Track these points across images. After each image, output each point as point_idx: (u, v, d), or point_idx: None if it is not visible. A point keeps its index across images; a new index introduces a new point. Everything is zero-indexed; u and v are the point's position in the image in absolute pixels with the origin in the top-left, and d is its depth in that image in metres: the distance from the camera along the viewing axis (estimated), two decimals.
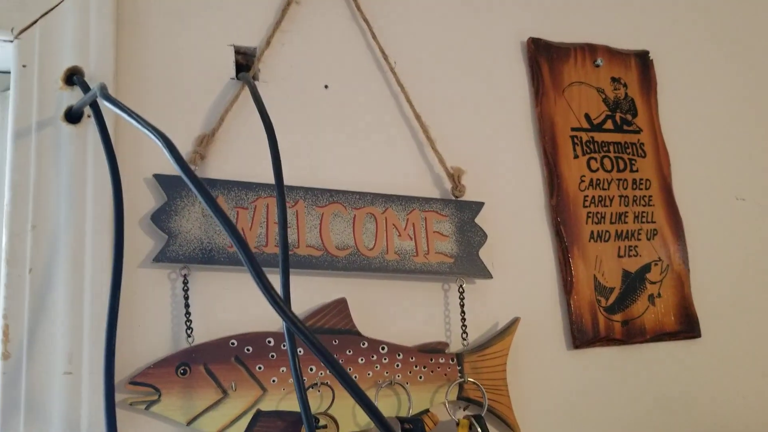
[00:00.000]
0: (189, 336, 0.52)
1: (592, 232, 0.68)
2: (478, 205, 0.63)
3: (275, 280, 0.44)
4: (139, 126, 0.42)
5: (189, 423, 0.51)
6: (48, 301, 0.49)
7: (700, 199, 0.74)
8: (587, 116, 0.70)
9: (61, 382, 0.48)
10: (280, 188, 0.51)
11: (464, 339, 0.60)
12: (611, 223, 0.68)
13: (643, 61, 0.75)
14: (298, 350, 0.54)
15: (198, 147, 0.55)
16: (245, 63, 0.59)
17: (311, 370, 0.54)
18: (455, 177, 0.63)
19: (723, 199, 0.75)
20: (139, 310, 0.52)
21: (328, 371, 0.53)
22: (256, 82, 0.59)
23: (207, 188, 0.40)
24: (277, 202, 0.51)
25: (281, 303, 0.41)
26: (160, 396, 0.50)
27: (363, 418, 0.55)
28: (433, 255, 0.60)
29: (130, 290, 0.51)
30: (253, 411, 0.52)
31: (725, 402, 0.69)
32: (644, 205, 0.70)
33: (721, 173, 0.76)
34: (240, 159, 0.57)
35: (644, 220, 0.70)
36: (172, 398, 0.50)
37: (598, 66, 0.72)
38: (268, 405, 0.53)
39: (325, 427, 0.52)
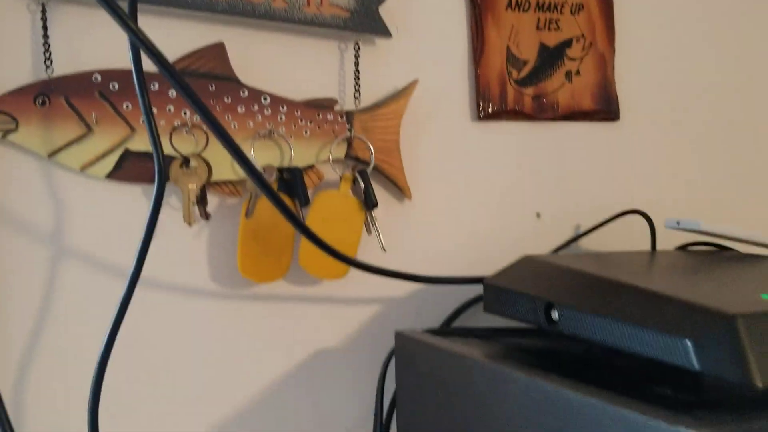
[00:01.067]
0: (48, 67, 0.50)
1: (510, 0, 0.63)
2: None
3: (148, 23, 0.40)
4: None
5: (50, 156, 0.49)
6: None
7: None
8: None
9: None
10: None
11: (356, 98, 0.58)
12: None
13: None
14: (170, 92, 0.52)
15: None
16: None
17: (185, 113, 0.52)
18: None
19: None
20: None
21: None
22: None
23: None
24: None
25: (126, 18, 0.39)
26: (17, 125, 0.48)
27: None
28: (326, 6, 0.56)
29: None
30: (121, 150, 0.51)
31: (637, 185, 0.68)
32: None
33: None
34: None
35: None
36: (31, 128, 0.49)
37: None
38: (137, 145, 0.51)
39: (191, 166, 0.51)
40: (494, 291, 0.50)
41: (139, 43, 0.39)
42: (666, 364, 0.35)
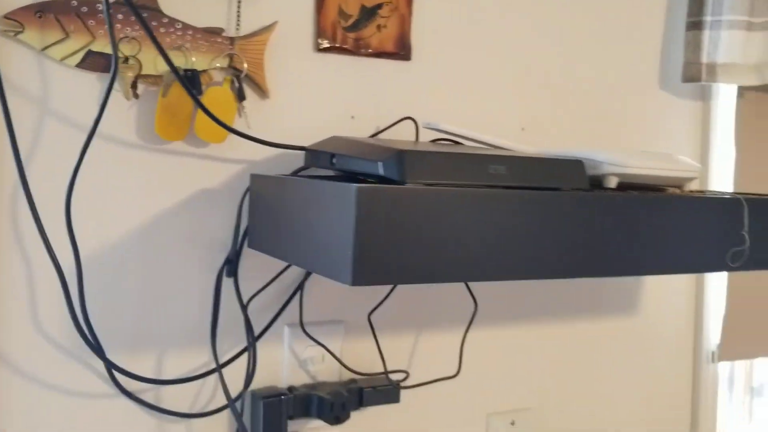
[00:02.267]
0: None
1: None
2: None
3: None
4: None
5: (42, 50, 0.80)
6: None
7: None
8: None
9: None
10: None
11: (237, 29, 0.91)
12: None
13: None
14: (119, 15, 0.84)
15: None
16: None
17: (128, 30, 0.84)
18: None
19: None
20: None
21: (138, 33, 0.83)
22: None
23: None
24: None
25: None
26: (24, 29, 0.79)
27: (162, 67, 0.86)
28: None
29: None
30: (86, 50, 0.83)
31: (418, 102, 1.05)
32: None
33: None
34: None
35: None
36: (32, 32, 0.80)
37: None
38: (96, 47, 0.83)
39: (129, 63, 0.83)
40: (310, 152, 0.86)
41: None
42: (375, 175, 0.72)
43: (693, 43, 1.24)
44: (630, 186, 0.86)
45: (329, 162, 0.81)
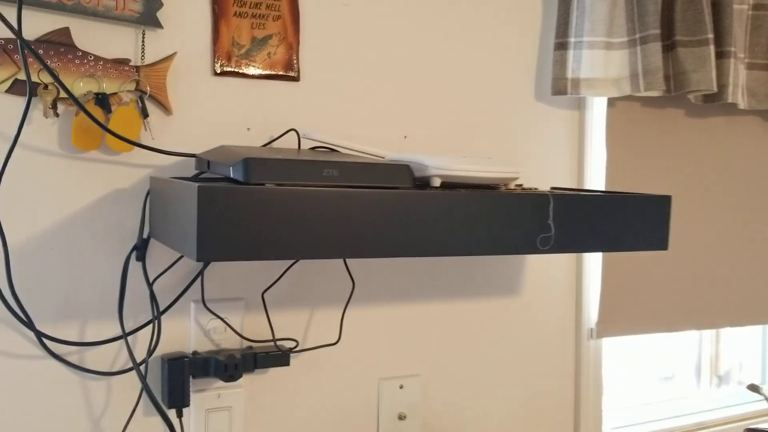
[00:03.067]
0: None
1: (236, 11, 1.18)
2: None
3: (29, 15, 0.93)
4: None
5: None
6: None
7: (316, 2, 1.25)
8: None
9: None
10: None
11: (142, 58, 1.12)
12: (249, 7, 1.19)
13: None
14: (40, 50, 1.04)
15: None
16: None
17: (48, 61, 1.05)
18: None
19: (332, 3, 1.26)
20: None
21: (57, 63, 1.04)
22: None
23: None
24: None
25: (15, 30, 0.91)
26: None
27: (77, 91, 1.06)
28: (128, 10, 1.09)
29: None
30: (13, 78, 1.03)
31: (304, 115, 1.25)
32: (275, 0, 1.21)
33: None
34: None
35: (272, 9, 1.20)
36: None
37: None
38: (21, 76, 1.03)
39: (49, 89, 1.04)
40: (198, 159, 1.06)
41: (18, 38, 0.92)
42: (231, 177, 0.92)
43: (560, 61, 1.44)
44: (456, 185, 1.06)
45: (207, 167, 1.02)
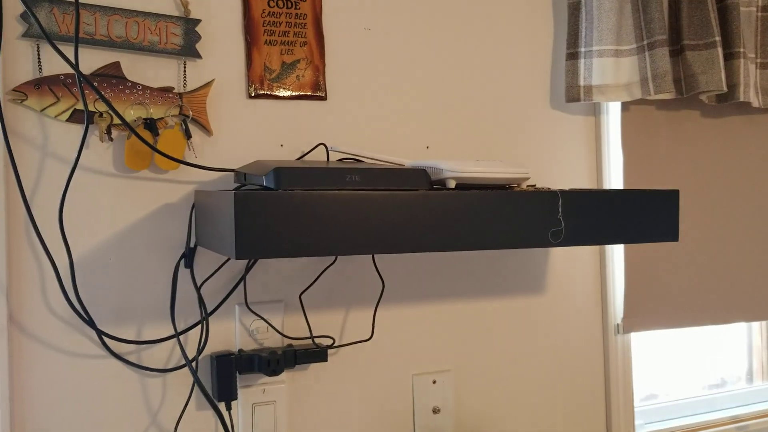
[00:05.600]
0: (40, 71, 1.15)
1: (266, 40, 1.30)
2: (197, 21, 1.25)
3: (84, 53, 1.08)
4: None
5: (41, 111, 1.15)
6: None
7: (338, 27, 1.36)
8: None
9: None
10: (77, 5, 1.12)
11: (184, 86, 1.24)
12: (278, 36, 1.31)
13: None
14: (95, 83, 1.18)
15: None
16: None
17: (102, 92, 1.18)
18: (185, 4, 1.24)
19: (354, 28, 1.38)
20: (15, 55, 1.14)
21: (110, 93, 1.17)
22: None
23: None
24: (75, 10, 1.12)
25: (74, 66, 1.05)
26: (27, 97, 1.14)
27: (129, 117, 1.20)
28: (170, 43, 1.23)
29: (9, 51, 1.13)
30: (72, 109, 1.17)
31: (333, 130, 1.36)
32: (301, 27, 1.33)
33: (354, 10, 1.38)
34: None
35: (299, 35, 1.33)
36: (33, 99, 1.14)
37: None
38: (79, 106, 1.17)
39: (103, 116, 1.17)
40: (236, 173, 1.18)
41: (77, 73, 1.06)
42: (265, 186, 1.03)
43: (572, 70, 1.53)
44: (471, 186, 1.15)
45: (244, 179, 1.13)
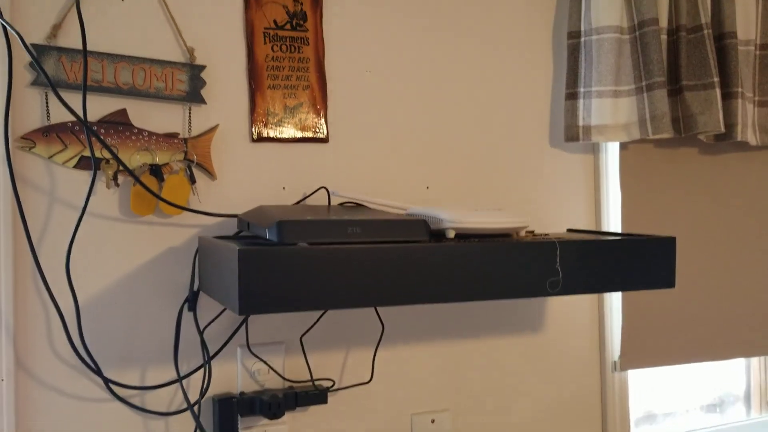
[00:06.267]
0: (48, 119, 1.17)
1: (269, 84, 1.32)
2: (202, 67, 1.27)
3: (92, 99, 1.10)
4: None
5: (49, 157, 1.17)
6: None
7: (340, 70, 1.38)
8: (275, 21, 1.33)
9: None
10: (85, 55, 1.14)
11: (189, 131, 1.26)
12: (281, 80, 1.33)
13: None
14: (101, 130, 1.20)
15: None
16: None
17: (109, 139, 1.20)
18: (190, 50, 1.26)
19: (355, 71, 1.40)
20: (24, 103, 1.16)
21: (116, 140, 1.19)
22: None
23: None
24: (84, 60, 1.14)
25: (80, 118, 1.07)
26: (35, 144, 1.16)
27: (134, 163, 1.21)
28: (176, 90, 1.25)
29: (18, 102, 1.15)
30: (79, 155, 1.19)
31: (333, 173, 1.38)
32: (303, 71, 1.35)
33: (355, 53, 1.40)
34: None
35: (302, 79, 1.35)
36: (41, 146, 1.16)
37: None
38: (86, 153, 1.19)
39: (110, 163, 1.19)
40: (239, 220, 1.20)
41: (84, 124, 1.07)
42: (266, 238, 1.05)
43: (571, 110, 1.55)
44: (470, 236, 1.17)
45: (247, 227, 1.15)
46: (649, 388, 1.86)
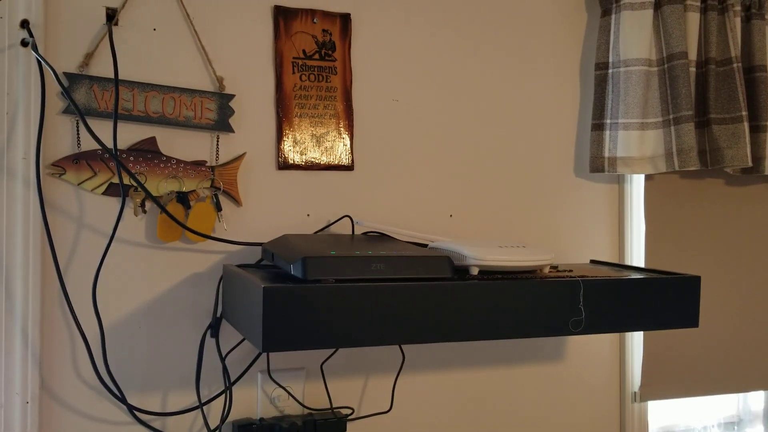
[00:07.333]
0: (79, 146, 1.19)
1: (297, 113, 1.33)
2: (231, 96, 1.28)
3: (122, 127, 1.11)
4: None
5: (78, 184, 1.19)
6: None
7: (367, 99, 1.39)
8: (304, 51, 1.33)
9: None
10: (117, 84, 1.15)
11: (217, 159, 1.27)
12: (309, 109, 1.34)
13: (344, 19, 1.37)
14: (131, 158, 1.21)
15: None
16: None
17: (137, 167, 1.22)
18: (220, 80, 1.27)
19: (382, 99, 1.40)
20: (55, 130, 1.18)
21: (144, 168, 1.21)
22: None
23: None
24: (115, 89, 1.16)
25: (107, 148, 1.08)
26: (65, 171, 1.18)
27: (162, 190, 1.23)
28: (204, 118, 1.26)
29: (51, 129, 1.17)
30: (108, 183, 1.20)
31: (358, 201, 1.38)
32: (331, 100, 1.35)
33: (382, 82, 1.40)
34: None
35: (329, 108, 1.35)
36: (71, 173, 1.18)
37: (315, 23, 1.34)
38: (115, 180, 1.20)
39: (137, 189, 1.20)
40: (264, 249, 1.21)
41: (114, 157, 1.09)
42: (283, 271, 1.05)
43: (597, 141, 1.54)
44: (493, 272, 1.17)
45: (271, 258, 1.16)
46: (667, 404, 1.85)
